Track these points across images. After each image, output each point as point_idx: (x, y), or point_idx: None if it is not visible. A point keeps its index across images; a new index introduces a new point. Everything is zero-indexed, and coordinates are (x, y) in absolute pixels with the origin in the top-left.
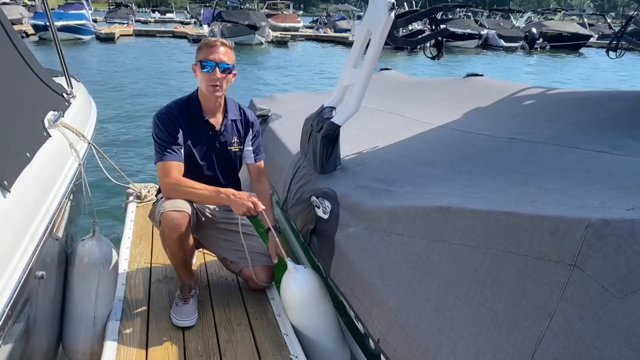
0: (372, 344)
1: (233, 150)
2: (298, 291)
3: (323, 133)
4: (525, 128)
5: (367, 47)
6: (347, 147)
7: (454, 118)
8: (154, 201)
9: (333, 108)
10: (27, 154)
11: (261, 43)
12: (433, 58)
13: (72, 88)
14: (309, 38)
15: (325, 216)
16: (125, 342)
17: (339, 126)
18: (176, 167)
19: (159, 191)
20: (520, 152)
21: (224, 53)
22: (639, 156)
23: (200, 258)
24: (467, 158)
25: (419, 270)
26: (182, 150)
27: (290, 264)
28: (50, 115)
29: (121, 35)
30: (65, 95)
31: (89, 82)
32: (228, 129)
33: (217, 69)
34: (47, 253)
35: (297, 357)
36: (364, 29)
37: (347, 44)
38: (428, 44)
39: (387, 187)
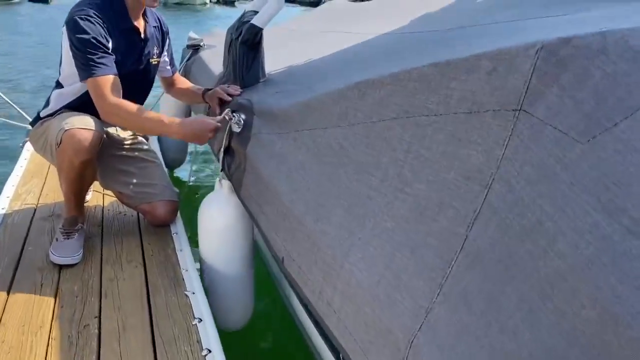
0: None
1: (153, 63)
2: (221, 215)
3: (243, 38)
4: (477, 19)
5: None
6: (275, 65)
7: (399, 26)
8: (38, 119)
9: (255, 12)
10: None
11: (205, 3)
12: None
13: None
14: None
15: (239, 129)
16: None
17: (261, 29)
18: (113, 83)
19: (46, 105)
20: (471, 34)
21: None
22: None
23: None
24: (406, 50)
25: (329, 165)
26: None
27: (224, 181)
28: None
29: None
30: None
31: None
32: (151, 37)
33: None
34: None
35: (193, 293)
36: None
37: (303, 2)
38: None
39: (308, 87)
